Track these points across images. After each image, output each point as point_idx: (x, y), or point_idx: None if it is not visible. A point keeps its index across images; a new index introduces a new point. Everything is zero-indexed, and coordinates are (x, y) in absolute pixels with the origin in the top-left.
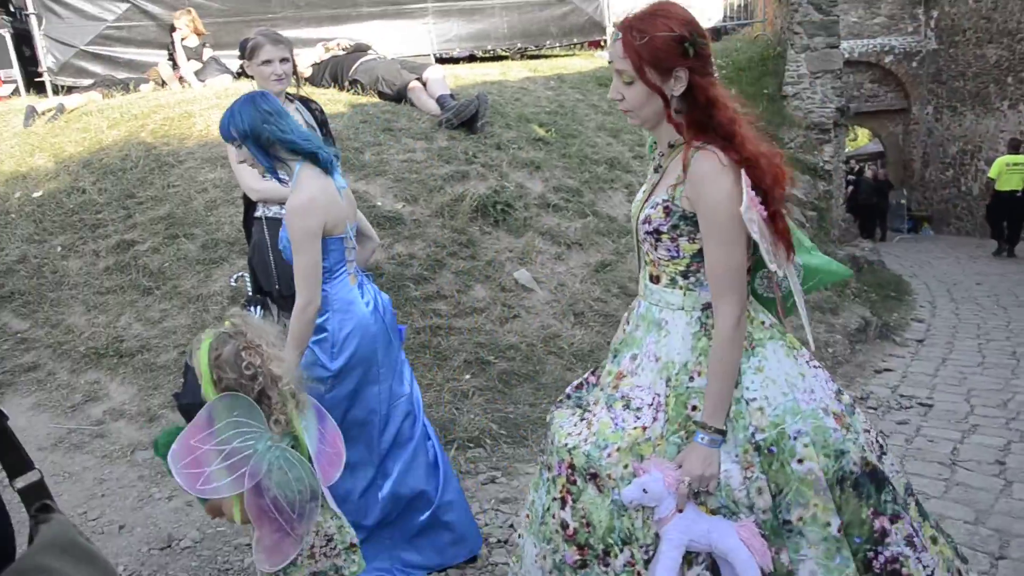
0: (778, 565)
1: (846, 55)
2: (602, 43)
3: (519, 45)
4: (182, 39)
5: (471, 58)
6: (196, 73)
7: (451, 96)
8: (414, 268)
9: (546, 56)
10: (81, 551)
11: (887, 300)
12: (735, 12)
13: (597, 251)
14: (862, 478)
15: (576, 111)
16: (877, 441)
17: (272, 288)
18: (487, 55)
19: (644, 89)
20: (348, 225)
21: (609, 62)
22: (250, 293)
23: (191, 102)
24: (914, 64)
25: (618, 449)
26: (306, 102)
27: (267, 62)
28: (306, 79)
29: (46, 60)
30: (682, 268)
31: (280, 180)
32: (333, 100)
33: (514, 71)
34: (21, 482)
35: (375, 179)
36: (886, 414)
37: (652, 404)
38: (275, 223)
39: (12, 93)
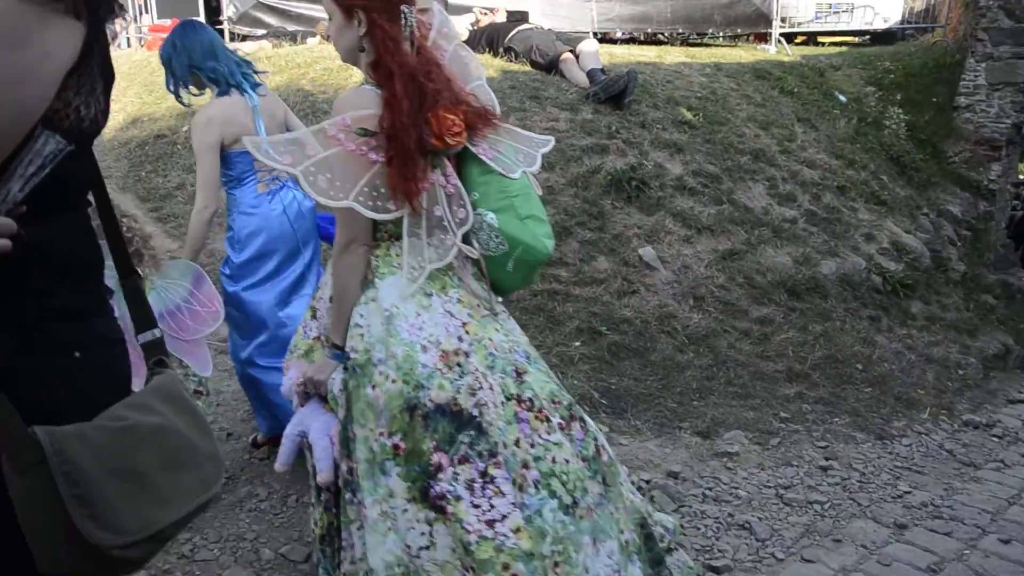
0: (342, 472)
1: None
2: (767, 36)
3: (680, 31)
4: None
5: (631, 40)
6: None
7: (601, 71)
8: None
9: (707, 45)
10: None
11: None
12: (915, 16)
13: (728, 239)
14: (434, 413)
15: (728, 100)
16: (497, 391)
17: None
18: (647, 39)
19: (338, 23)
20: None
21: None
22: None
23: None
24: None
25: (299, 354)
26: None
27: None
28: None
29: (227, 10)
30: None
31: (181, 103)
32: (486, 65)
33: (671, 56)
34: (144, 337)
35: None
36: (1011, 444)
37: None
38: None
39: None
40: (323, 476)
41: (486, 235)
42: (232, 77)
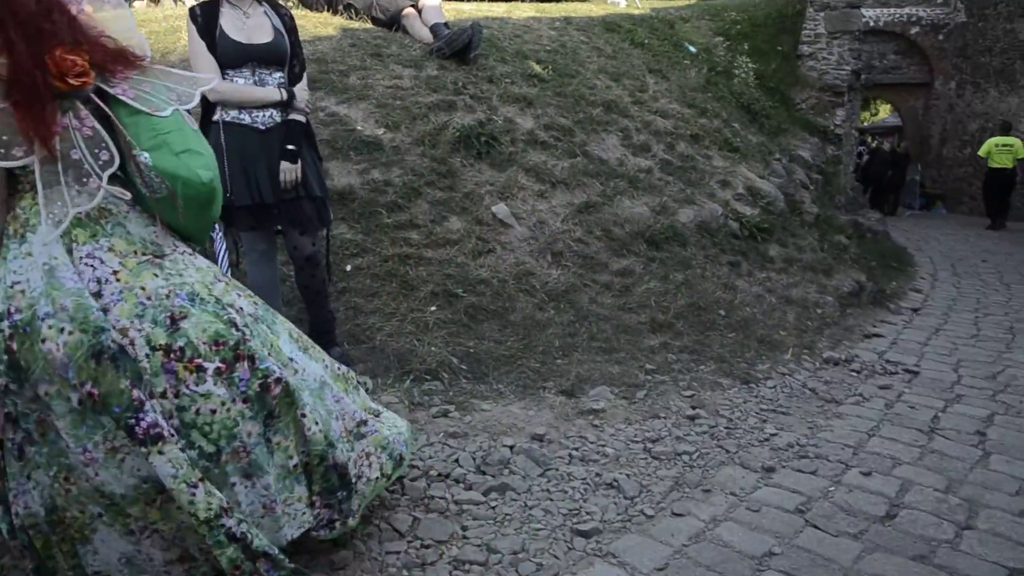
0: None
1: (871, 24)
2: None
3: None
4: None
5: None
6: None
7: (445, 25)
8: (388, 195)
9: (558, 0)
10: None
11: (887, 269)
12: None
13: (583, 192)
14: (119, 353)
15: (578, 52)
16: (140, 343)
17: (223, 198)
18: None
19: None
20: None
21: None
22: None
23: (179, 18)
24: (940, 37)
25: None
26: (275, 7)
27: None
28: (300, 1)
29: None
30: None
31: None
32: (324, 23)
33: (520, 11)
34: None
35: (357, 103)
36: (868, 378)
37: None
38: (235, 128)
39: None
40: None
41: (147, 175)
42: None
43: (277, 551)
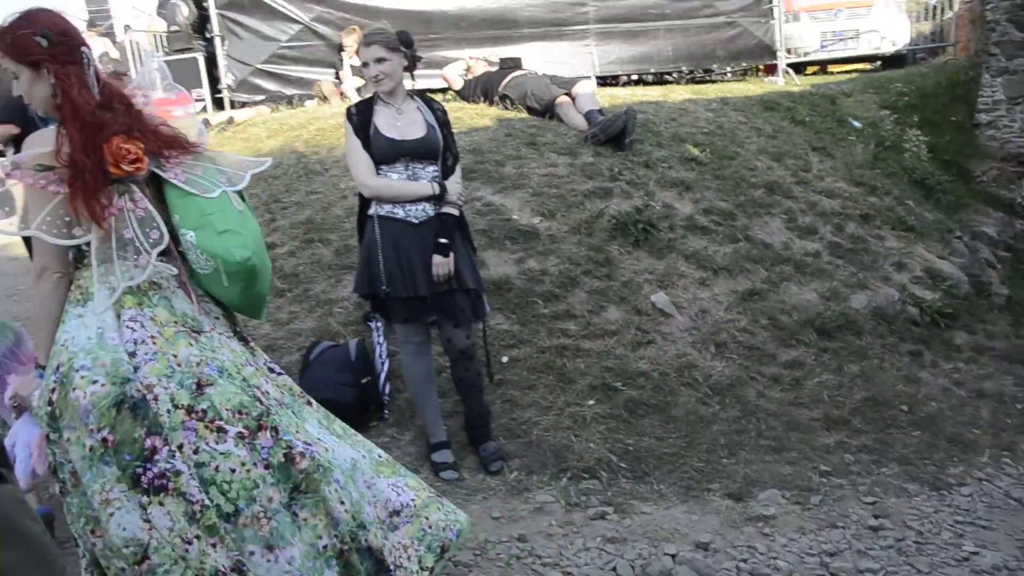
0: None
1: None
2: (776, 68)
3: (684, 69)
4: (349, 57)
5: (639, 82)
6: (358, 89)
7: (599, 111)
8: (545, 285)
9: (714, 81)
10: (13, 532)
11: None
12: (924, 38)
13: (747, 278)
14: (141, 402)
15: (736, 133)
16: (163, 399)
17: (376, 290)
18: (655, 79)
19: (27, 79)
20: None
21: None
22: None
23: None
24: None
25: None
26: (428, 101)
27: (364, 64)
28: (456, 92)
29: (226, 78)
30: None
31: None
32: (480, 114)
33: (676, 94)
34: None
35: (513, 192)
36: None
37: None
38: (388, 222)
39: (200, 111)
40: (22, 483)
41: (193, 254)
42: None
43: None
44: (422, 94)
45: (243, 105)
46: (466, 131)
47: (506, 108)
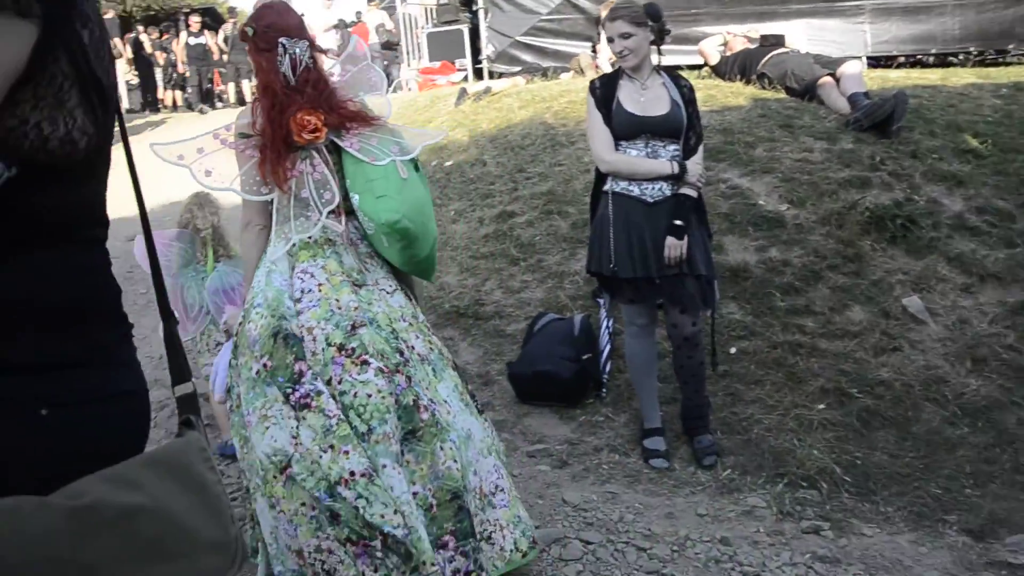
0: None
1: None
2: None
3: (972, 49)
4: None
5: (916, 63)
6: (614, 63)
7: (865, 95)
8: (785, 276)
9: (1008, 64)
10: (191, 478)
11: None
12: None
13: (1021, 289)
14: (291, 336)
15: None
16: (319, 339)
17: (604, 268)
18: (936, 61)
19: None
20: None
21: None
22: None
23: None
24: None
25: None
26: (675, 78)
27: (609, 39)
28: (711, 68)
29: (486, 49)
30: None
31: None
32: (736, 93)
33: (958, 78)
34: (179, 390)
35: (761, 176)
36: None
37: None
38: (622, 199)
39: (462, 79)
40: (217, 396)
41: (359, 215)
42: None
43: (396, 530)
44: (669, 70)
45: (500, 76)
46: (718, 110)
47: (763, 87)
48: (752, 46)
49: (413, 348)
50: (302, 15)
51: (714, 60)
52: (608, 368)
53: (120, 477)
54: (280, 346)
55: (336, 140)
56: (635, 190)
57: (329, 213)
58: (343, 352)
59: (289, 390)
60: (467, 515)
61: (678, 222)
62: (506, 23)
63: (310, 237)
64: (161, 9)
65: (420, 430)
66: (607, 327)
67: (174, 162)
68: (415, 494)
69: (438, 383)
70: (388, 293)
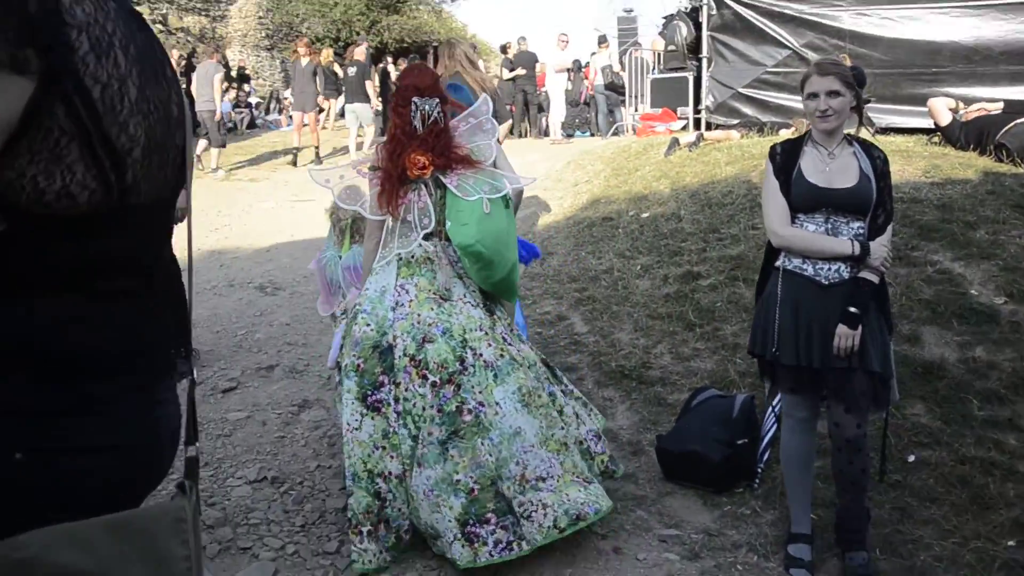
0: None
1: None
2: None
3: None
4: None
5: None
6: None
7: None
8: (990, 381)
9: None
10: (153, 549)
11: None
12: None
13: None
14: (386, 352)
15: None
16: (399, 348)
17: (767, 351)
18: None
19: None
20: None
21: None
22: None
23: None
24: None
25: None
26: (867, 148)
27: (812, 95)
28: (940, 131)
29: (706, 99)
30: None
31: None
32: (965, 164)
33: None
34: (188, 452)
35: (978, 262)
36: None
37: None
38: (794, 278)
39: (683, 128)
40: (330, 363)
41: (450, 239)
42: None
43: (403, 525)
44: (861, 140)
45: (717, 126)
46: (940, 182)
47: (999, 160)
48: (993, 111)
49: (480, 355)
50: (448, 73)
51: (944, 120)
52: (766, 457)
53: (74, 535)
54: (374, 356)
55: (441, 177)
56: (809, 269)
57: (427, 236)
58: (413, 362)
59: (369, 392)
60: (503, 498)
61: (853, 310)
62: (729, 74)
63: (411, 254)
64: (413, 43)
65: (462, 430)
66: (773, 412)
67: (321, 184)
68: (458, 481)
69: (496, 387)
70: (472, 306)
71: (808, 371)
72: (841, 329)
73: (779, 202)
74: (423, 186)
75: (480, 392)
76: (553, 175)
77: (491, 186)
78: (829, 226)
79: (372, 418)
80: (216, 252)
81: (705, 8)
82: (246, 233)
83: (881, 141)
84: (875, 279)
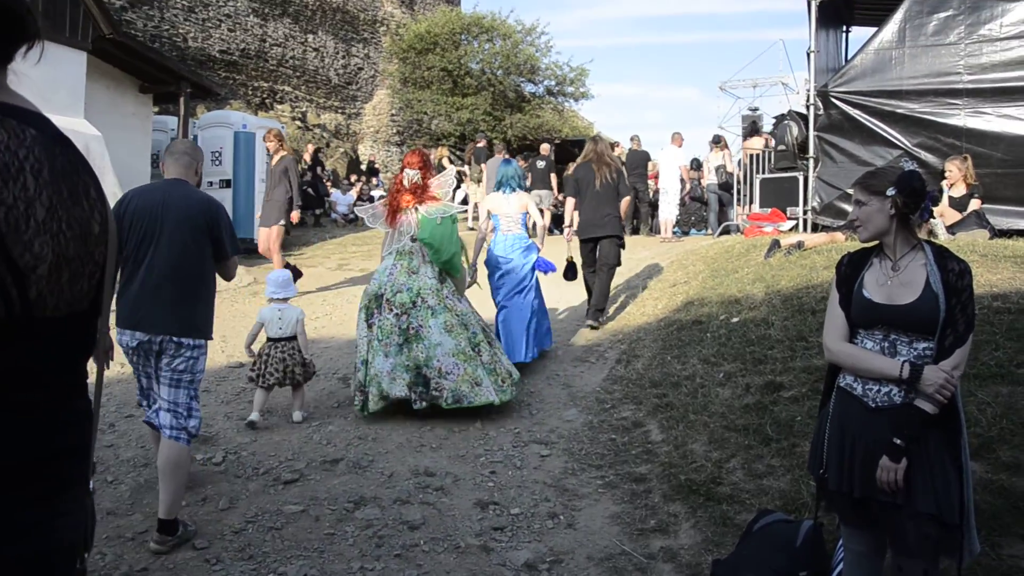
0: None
1: None
2: None
3: None
4: (949, 186)
5: None
6: (951, 225)
7: None
8: None
9: None
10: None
11: None
12: None
13: None
14: (380, 299)
15: None
16: (393, 292)
17: (816, 471)
18: None
19: None
20: None
21: None
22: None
23: None
24: None
25: None
26: (944, 259)
27: (858, 203)
28: None
29: (812, 200)
30: None
31: None
32: None
33: None
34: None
35: None
36: None
37: None
38: (845, 397)
39: (791, 229)
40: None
41: (421, 240)
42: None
43: (370, 391)
44: (942, 249)
45: (823, 228)
46: None
47: None
48: None
49: (426, 301)
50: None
51: None
52: None
53: None
54: (374, 301)
55: (418, 207)
56: (858, 388)
57: (412, 240)
58: (388, 303)
59: (367, 317)
60: (425, 379)
61: (898, 441)
62: (837, 174)
63: (401, 248)
64: (536, 140)
65: (410, 339)
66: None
67: (363, 215)
68: (407, 365)
69: (431, 319)
70: (429, 278)
71: (860, 500)
72: (883, 461)
73: (837, 315)
74: (410, 211)
75: (421, 320)
76: (655, 274)
77: (443, 211)
78: (887, 344)
79: (368, 330)
80: (310, 341)
81: (812, 108)
82: (344, 322)
83: (1000, 245)
84: (929, 408)
